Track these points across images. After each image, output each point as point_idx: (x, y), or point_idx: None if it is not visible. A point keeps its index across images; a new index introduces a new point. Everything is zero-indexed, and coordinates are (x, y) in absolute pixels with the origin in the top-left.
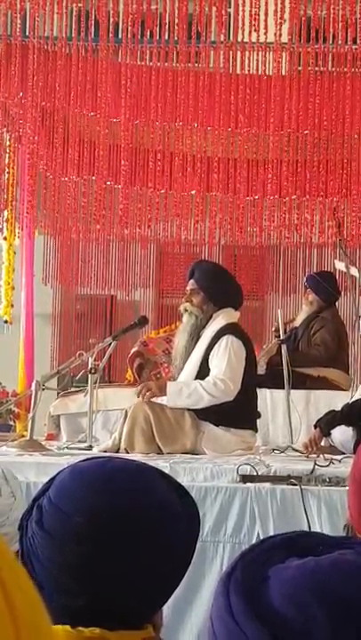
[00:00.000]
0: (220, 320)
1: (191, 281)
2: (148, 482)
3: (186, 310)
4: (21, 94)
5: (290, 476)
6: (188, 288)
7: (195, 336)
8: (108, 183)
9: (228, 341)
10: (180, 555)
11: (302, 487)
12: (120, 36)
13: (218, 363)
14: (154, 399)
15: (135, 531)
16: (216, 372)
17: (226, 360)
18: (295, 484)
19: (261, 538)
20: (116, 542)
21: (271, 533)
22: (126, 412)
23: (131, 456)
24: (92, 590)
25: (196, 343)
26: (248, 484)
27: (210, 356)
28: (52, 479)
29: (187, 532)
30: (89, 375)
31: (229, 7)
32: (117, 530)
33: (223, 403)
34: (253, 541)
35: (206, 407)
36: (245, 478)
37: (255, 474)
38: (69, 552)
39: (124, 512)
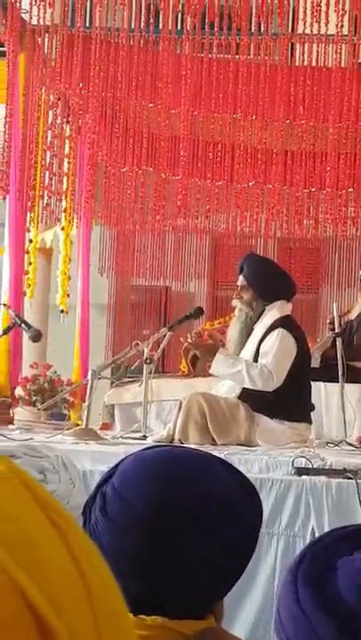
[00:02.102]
0: (273, 313)
1: (241, 277)
2: (211, 471)
3: (236, 306)
4: (81, 85)
5: (345, 469)
6: (238, 283)
7: (247, 331)
8: (166, 175)
9: (279, 334)
10: (242, 545)
11: (358, 481)
12: (181, 28)
13: (266, 353)
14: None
15: (197, 520)
16: (265, 361)
17: (274, 352)
18: (351, 478)
19: (316, 531)
20: (177, 531)
21: (326, 527)
22: (181, 402)
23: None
24: (154, 579)
25: (247, 337)
26: (303, 477)
27: (260, 348)
28: (116, 466)
29: (249, 522)
30: (144, 365)
31: None
32: (179, 519)
33: (278, 395)
34: (308, 534)
35: (261, 400)
36: (300, 471)
37: (310, 467)
38: (131, 540)
39: (186, 501)
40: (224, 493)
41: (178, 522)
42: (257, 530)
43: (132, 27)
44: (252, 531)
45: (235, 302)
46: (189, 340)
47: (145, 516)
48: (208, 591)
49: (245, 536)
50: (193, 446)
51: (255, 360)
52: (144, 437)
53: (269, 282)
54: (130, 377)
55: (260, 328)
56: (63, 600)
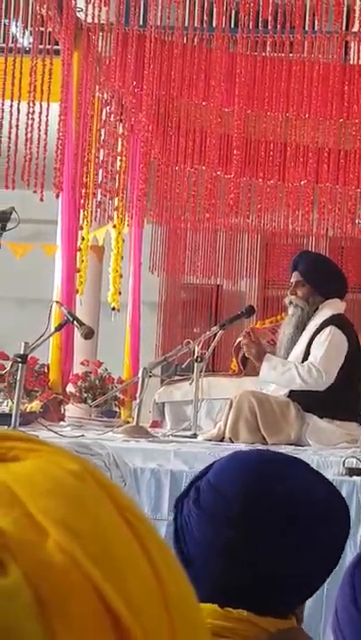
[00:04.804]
0: (326, 311)
1: (295, 272)
2: (301, 473)
3: (291, 302)
4: (134, 83)
5: None
6: (292, 280)
7: (300, 328)
8: (218, 173)
9: (330, 332)
10: (330, 549)
11: None
12: (235, 26)
13: (316, 351)
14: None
15: (289, 519)
16: (313, 359)
17: (324, 350)
18: None
19: None
20: (267, 528)
21: None
22: (232, 401)
23: (235, 446)
24: (243, 573)
25: (301, 335)
26: (354, 478)
27: (311, 346)
28: (211, 465)
29: (338, 526)
30: (195, 363)
31: None
32: (270, 516)
33: (328, 394)
34: (358, 535)
35: (311, 399)
36: (352, 471)
37: None
38: (221, 532)
39: (277, 500)
40: (316, 495)
41: (269, 519)
42: (346, 534)
43: (187, 25)
44: (341, 534)
45: (289, 299)
46: (244, 340)
47: (238, 509)
48: (293, 591)
49: (334, 539)
50: (243, 445)
51: (305, 357)
52: (194, 435)
53: (326, 275)
54: (180, 375)
55: (312, 326)
56: (138, 600)
